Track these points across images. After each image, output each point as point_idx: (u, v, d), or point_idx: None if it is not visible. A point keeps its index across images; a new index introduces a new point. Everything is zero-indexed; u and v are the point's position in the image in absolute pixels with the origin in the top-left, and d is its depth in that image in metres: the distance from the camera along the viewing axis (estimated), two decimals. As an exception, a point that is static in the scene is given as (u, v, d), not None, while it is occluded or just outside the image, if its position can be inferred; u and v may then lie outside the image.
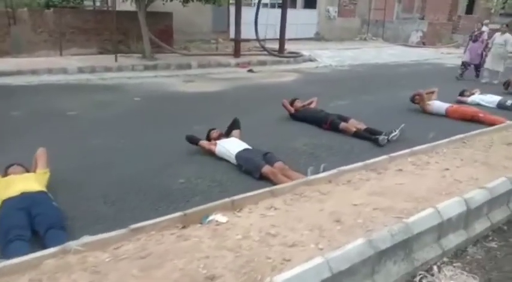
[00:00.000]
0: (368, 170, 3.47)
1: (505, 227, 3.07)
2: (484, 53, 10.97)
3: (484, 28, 11.71)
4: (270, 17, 20.10)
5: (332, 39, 21.71)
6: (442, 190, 3.05)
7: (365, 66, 13.55)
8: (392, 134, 5.26)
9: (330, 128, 5.80)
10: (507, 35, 10.54)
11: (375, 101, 8.11)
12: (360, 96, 8.46)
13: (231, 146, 4.47)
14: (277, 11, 22.01)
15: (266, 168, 3.98)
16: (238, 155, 4.30)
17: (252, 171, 4.07)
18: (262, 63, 12.68)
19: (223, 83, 9.63)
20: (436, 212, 2.54)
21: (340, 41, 21.48)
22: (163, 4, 12.20)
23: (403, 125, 5.36)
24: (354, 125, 5.73)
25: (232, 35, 17.37)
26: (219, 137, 4.74)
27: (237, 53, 12.76)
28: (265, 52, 13.48)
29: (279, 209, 2.68)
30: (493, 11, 32.54)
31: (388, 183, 3.19)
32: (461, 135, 4.51)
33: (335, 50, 16.84)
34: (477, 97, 7.88)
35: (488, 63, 10.83)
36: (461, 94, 8.05)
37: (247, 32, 14.18)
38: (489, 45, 10.85)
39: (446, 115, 6.82)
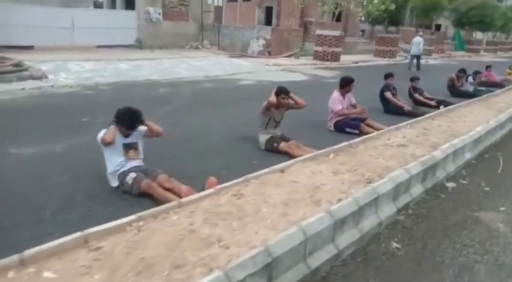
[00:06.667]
0: None
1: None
2: None
3: None
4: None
5: (157, 47, 17.46)
6: None
7: (118, 85, 9.23)
8: None
9: None
10: None
11: None
12: None
13: None
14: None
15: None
16: None
17: None
18: None
19: None
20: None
21: (165, 49, 17.31)
22: None
23: None
24: None
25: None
26: None
27: None
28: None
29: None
30: (362, 18, 30.77)
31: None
32: None
33: (113, 61, 12.42)
34: None
35: None
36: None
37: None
38: None
39: None
